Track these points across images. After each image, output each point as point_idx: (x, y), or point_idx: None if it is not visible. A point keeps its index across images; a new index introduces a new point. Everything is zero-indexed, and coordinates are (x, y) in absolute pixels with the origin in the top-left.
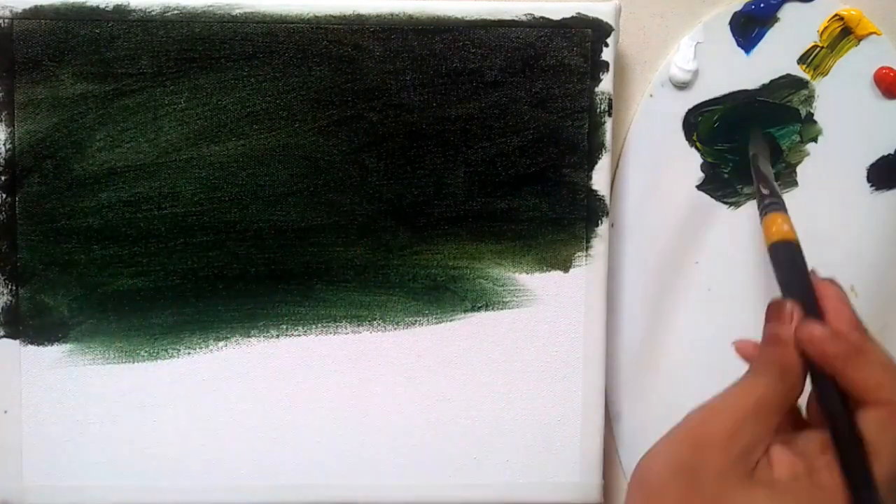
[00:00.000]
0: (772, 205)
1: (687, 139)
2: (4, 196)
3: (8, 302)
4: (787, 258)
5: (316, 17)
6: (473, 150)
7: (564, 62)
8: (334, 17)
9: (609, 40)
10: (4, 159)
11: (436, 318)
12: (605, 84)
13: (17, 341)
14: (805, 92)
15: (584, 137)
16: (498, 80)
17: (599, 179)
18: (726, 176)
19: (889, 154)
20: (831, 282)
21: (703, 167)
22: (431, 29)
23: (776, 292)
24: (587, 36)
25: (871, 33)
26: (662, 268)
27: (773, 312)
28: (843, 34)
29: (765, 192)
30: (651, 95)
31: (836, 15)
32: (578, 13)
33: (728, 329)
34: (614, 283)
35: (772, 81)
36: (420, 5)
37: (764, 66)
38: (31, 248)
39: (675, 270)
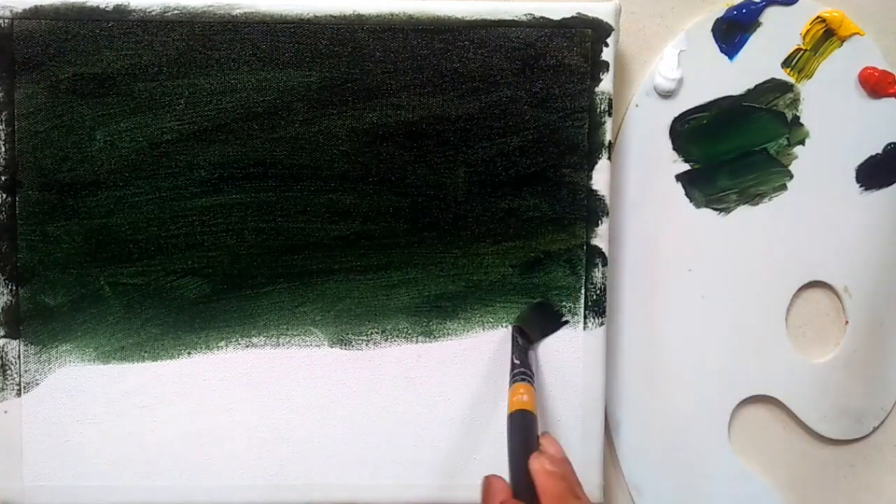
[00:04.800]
0: (518, 375)
1: (674, 148)
2: (4, 196)
3: (8, 302)
4: (519, 427)
5: (316, 17)
6: (473, 150)
7: (564, 62)
8: (334, 17)
9: (609, 40)
10: (4, 159)
11: (436, 319)
12: (605, 84)
13: (17, 341)
14: (790, 95)
15: (584, 137)
16: (498, 80)
17: (599, 179)
18: (716, 182)
19: (877, 154)
20: (541, 452)
21: (692, 174)
22: (431, 29)
23: (772, 297)
24: (587, 36)
25: (854, 34)
26: (655, 276)
27: (483, 492)
28: (826, 36)
29: (516, 361)
30: (637, 105)
31: (818, 17)
32: (578, 13)
33: (723, 335)
34: (610, 291)
35: (757, 86)
36: (420, 5)
37: (748, 71)
38: (31, 248)
39: (669, 279)
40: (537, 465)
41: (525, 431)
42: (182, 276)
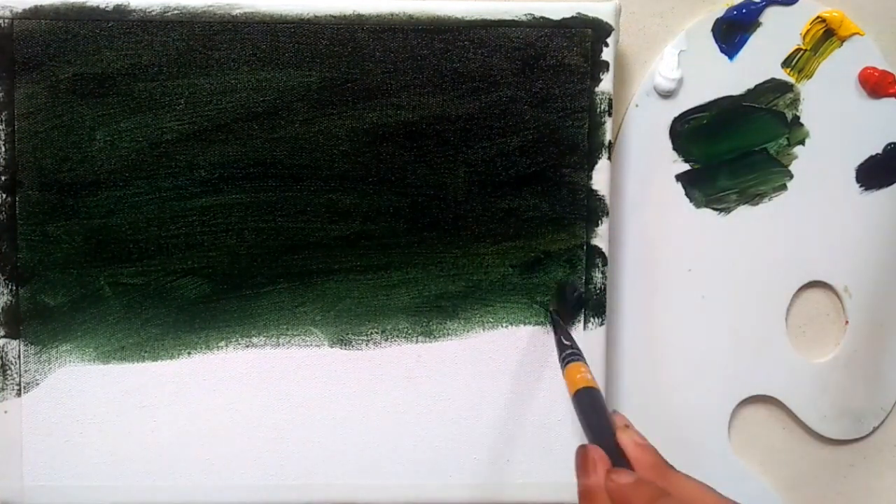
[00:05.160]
0: (571, 355)
1: (674, 148)
2: (4, 196)
3: (8, 302)
4: (590, 404)
5: (316, 17)
6: (473, 150)
7: (564, 62)
8: (334, 17)
9: (609, 40)
10: (4, 159)
11: (436, 319)
12: (605, 84)
13: (17, 341)
14: (790, 95)
15: (584, 137)
16: (498, 80)
17: (599, 179)
18: (716, 182)
19: (877, 154)
20: (626, 426)
21: (692, 174)
22: (431, 29)
23: (772, 297)
24: (587, 36)
25: (854, 34)
26: (655, 276)
27: (580, 462)
28: (826, 36)
29: (566, 342)
30: (637, 105)
31: (818, 17)
32: (578, 13)
33: (723, 335)
34: (611, 291)
35: (757, 86)
36: (420, 5)
37: (748, 71)
38: (31, 248)
39: (669, 279)
40: (627, 438)
41: (601, 407)
42: (182, 276)
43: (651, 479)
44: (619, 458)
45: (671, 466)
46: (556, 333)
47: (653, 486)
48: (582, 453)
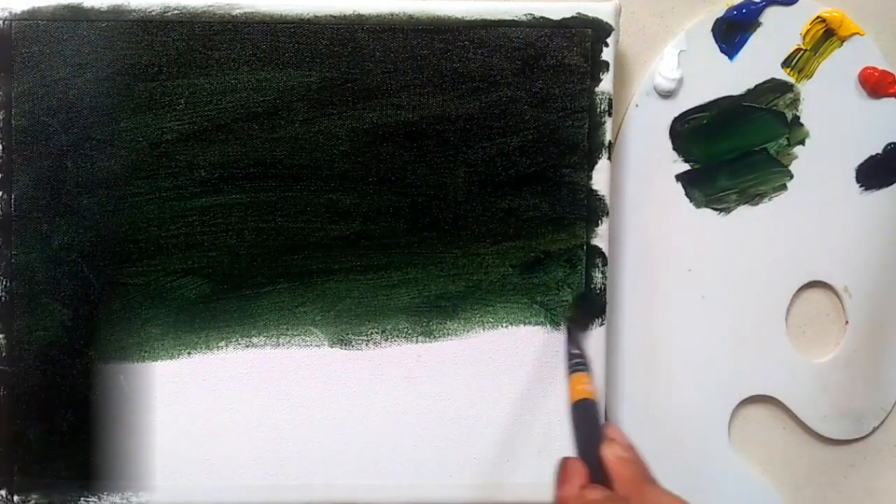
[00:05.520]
0: (577, 365)
1: (674, 148)
2: (1, 194)
3: (5, 301)
4: (585, 416)
5: (316, 17)
6: (473, 150)
7: (564, 62)
8: (334, 17)
9: (609, 40)
10: (2, 159)
11: (436, 319)
12: (605, 84)
13: (18, 342)
14: (790, 95)
15: (584, 137)
16: (498, 80)
17: (599, 179)
18: (716, 182)
19: (877, 154)
20: (612, 440)
21: (692, 174)
22: (431, 29)
23: (772, 297)
24: (587, 36)
25: (854, 34)
26: (655, 276)
27: (559, 474)
28: (826, 36)
29: (574, 352)
30: (637, 105)
31: (818, 17)
32: (578, 13)
33: (723, 335)
34: (611, 291)
35: (757, 86)
36: (420, 5)
37: (748, 71)
38: (29, 247)
39: (669, 279)
40: (609, 452)
41: (592, 421)
42: (182, 276)
43: (626, 493)
44: (598, 473)
45: (652, 481)
46: (566, 341)
47: (620, 502)
48: (561, 465)
